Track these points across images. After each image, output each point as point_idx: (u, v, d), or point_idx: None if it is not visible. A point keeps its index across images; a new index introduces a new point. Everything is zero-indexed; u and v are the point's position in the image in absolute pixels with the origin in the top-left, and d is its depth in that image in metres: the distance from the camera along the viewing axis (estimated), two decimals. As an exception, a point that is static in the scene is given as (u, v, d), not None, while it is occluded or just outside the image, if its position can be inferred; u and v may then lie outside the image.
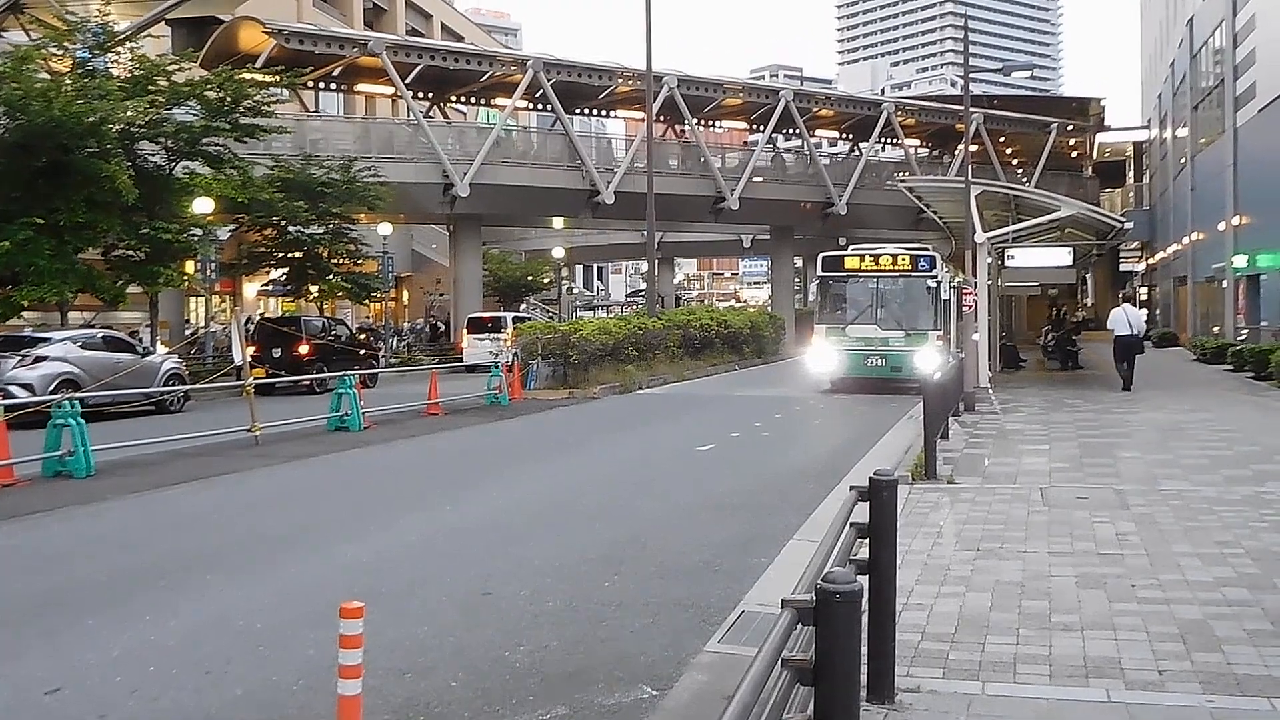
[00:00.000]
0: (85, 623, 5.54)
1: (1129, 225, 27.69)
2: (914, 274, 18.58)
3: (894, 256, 18.90)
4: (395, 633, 5.17)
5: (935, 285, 18.31)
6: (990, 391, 16.53)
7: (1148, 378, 20.05)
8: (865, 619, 3.98)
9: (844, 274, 19.20)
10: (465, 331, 29.78)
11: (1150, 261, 43.29)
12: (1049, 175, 43.94)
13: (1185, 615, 4.97)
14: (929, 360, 17.02)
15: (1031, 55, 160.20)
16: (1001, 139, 45.66)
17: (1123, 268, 50.43)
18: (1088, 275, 48.27)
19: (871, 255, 19.18)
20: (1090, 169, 49.84)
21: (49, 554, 7.38)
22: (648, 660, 4.78)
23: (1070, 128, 45.75)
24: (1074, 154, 49.27)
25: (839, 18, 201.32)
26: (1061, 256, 21.46)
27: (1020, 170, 46.45)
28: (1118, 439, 11.48)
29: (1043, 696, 4.04)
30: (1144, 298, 46.66)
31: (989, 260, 19.89)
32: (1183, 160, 33.04)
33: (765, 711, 2.18)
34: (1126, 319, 17.96)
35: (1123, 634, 4.72)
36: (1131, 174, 48.78)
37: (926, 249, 19.68)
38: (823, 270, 19.61)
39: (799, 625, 2.41)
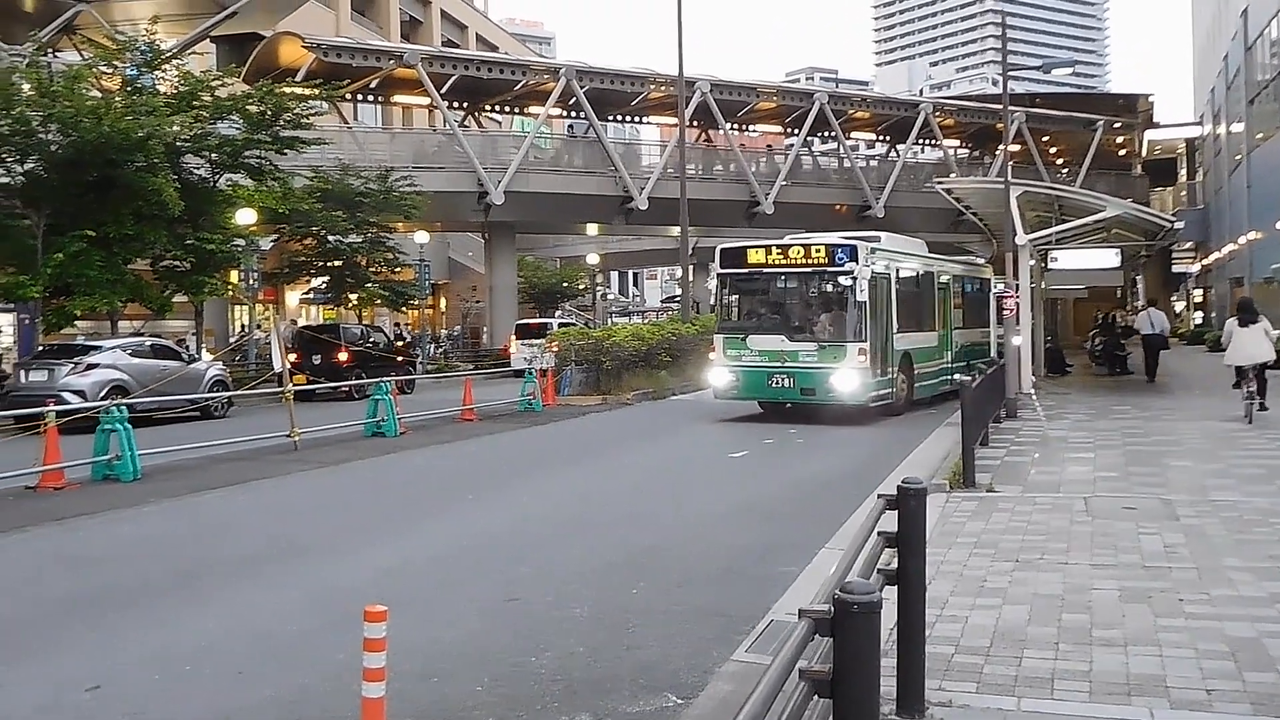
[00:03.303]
0: (125, 623, 5.66)
1: (1179, 225, 27.06)
2: (830, 269, 14.80)
3: (806, 248, 15.18)
4: (421, 637, 5.19)
5: (851, 283, 14.52)
6: (1034, 397, 16.25)
7: (1202, 383, 19.59)
8: (895, 630, 3.93)
9: (746, 271, 15.72)
10: (514, 337, 30.49)
11: (1205, 262, 42.31)
12: (1095, 174, 43.14)
13: (1236, 632, 4.79)
14: (848, 380, 14.47)
15: (1076, 51, 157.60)
16: (1045, 138, 44.94)
17: (1175, 269, 49.32)
18: (1138, 277, 47.35)
19: (779, 247, 15.49)
20: (1139, 167, 48.87)
21: (93, 556, 7.53)
22: (673, 668, 4.74)
23: (1117, 125, 44.90)
24: (1122, 152, 48.36)
25: (875, 19, 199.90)
26: (1108, 258, 21.03)
27: (1065, 170, 45.68)
28: (1167, 447, 11.18)
29: (1081, 714, 3.92)
30: (1198, 300, 45.58)
31: (1031, 263, 19.55)
32: (1238, 156, 32.25)
33: (780, 725, 2.13)
34: (1150, 320, 20.37)
35: (1168, 650, 4.56)
36: (1184, 172, 47.72)
37: (855, 238, 15.92)
38: (721, 266, 16.00)
39: (816, 635, 2.36)
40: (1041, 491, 8.54)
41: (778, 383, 15.10)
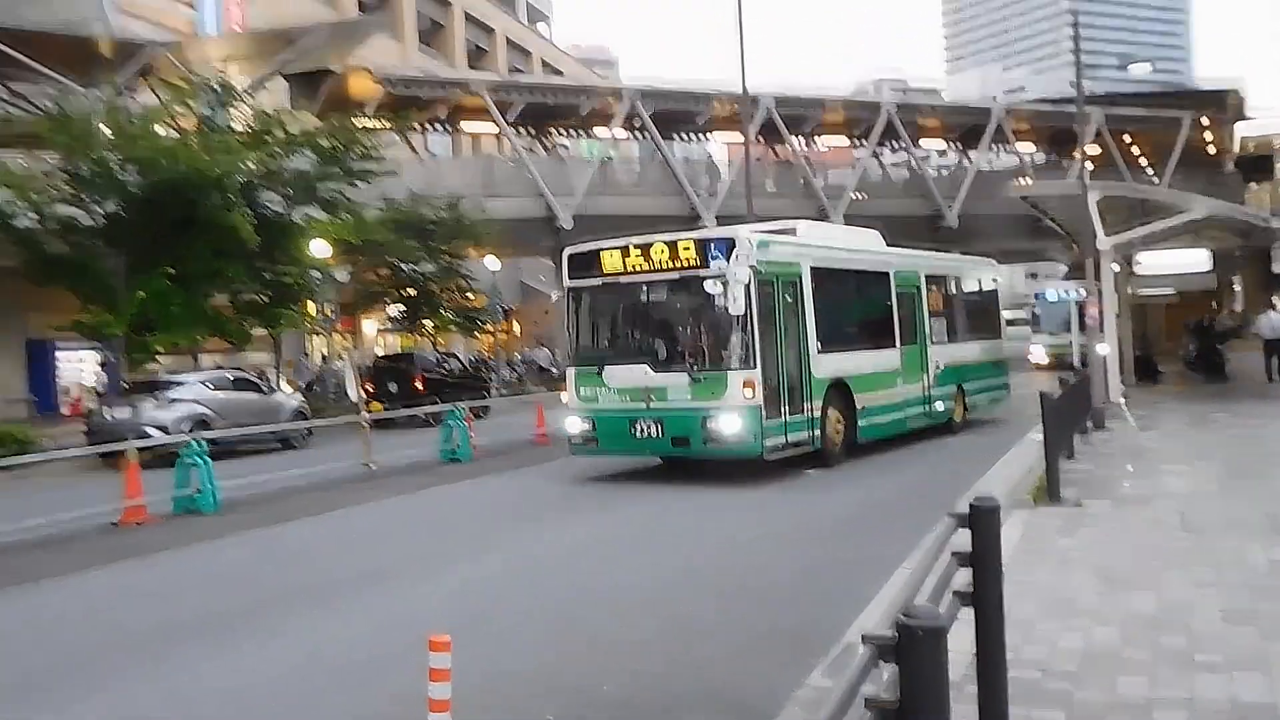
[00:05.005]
0: (199, 655, 5.76)
1: (1274, 223, 25.89)
2: (702, 274, 11.00)
3: (671, 246, 11.44)
4: (489, 664, 5.17)
5: (723, 289, 10.71)
6: (1124, 406, 15.65)
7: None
8: (974, 654, 3.77)
9: (600, 281, 12.03)
10: None
11: (1308, 261, 40.37)
12: (1183, 172, 41.65)
13: (1351, 652, 4.50)
14: (730, 424, 10.79)
15: (1158, 46, 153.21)
16: (1126, 137, 43.60)
17: (1276, 269, 47.17)
18: (1235, 278, 45.39)
19: (639, 246, 11.73)
20: (1231, 164, 47.03)
21: (171, 590, 7.73)
22: (741, 693, 4.64)
23: (1204, 121, 43.34)
24: (1211, 149, 46.61)
25: (946, 24, 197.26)
26: (1200, 259, 20.30)
27: (1151, 169, 44.22)
28: (1270, 456, 10.64)
29: (1180, 742, 3.71)
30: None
31: (1115, 267, 18.90)
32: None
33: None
34: (1272, 323, 20.55)
35: (1278, 675, 4.29)
36: (1281, 166, 45.76)
37: (767, 230, 12.94)
38: (570, 275, 12.38)
39: (881, 662, 2.26)
40: (1133, 505, 8.18)
41: (642, 431, 11.42)
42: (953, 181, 40.14)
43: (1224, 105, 43.83)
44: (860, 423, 12.73)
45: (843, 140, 43.30)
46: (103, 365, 22.75)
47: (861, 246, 14.73)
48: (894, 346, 13.98)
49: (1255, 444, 11.66)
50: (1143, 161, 45.80)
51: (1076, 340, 20.41)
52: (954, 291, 16.70)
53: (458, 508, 11.16)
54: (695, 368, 11.23)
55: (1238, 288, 46.10)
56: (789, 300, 11.73)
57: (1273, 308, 22.43)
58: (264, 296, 21.92)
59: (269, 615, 6.59)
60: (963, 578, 3.61)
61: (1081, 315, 18.17)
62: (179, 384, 17.82)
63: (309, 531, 9.94)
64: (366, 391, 20.87)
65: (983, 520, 3.52)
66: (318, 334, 29.52)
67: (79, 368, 26.98)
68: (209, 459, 11.32)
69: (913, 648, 2.18)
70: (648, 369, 11.48)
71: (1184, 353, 24.79)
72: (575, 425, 12.06)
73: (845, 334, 13.14)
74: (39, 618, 7.04)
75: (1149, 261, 19.56)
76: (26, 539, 9.62)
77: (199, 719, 4.76)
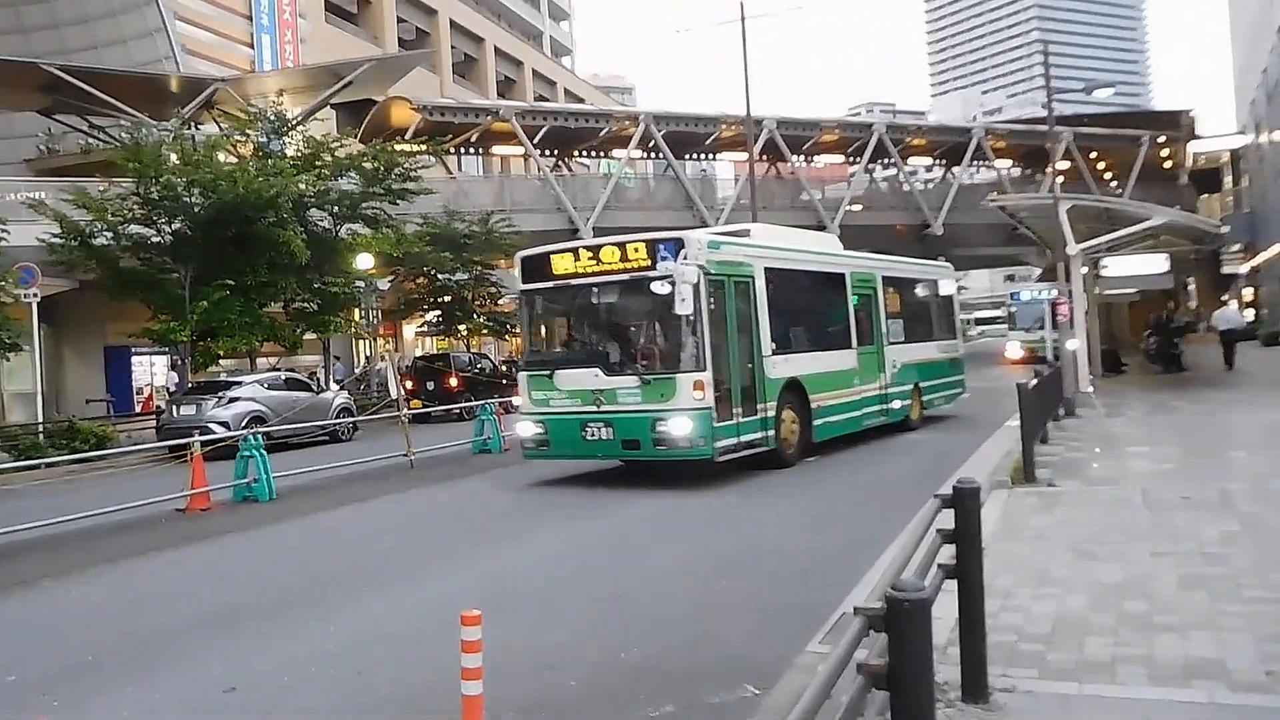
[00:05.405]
0: (260, 631, 5.78)
1: (1224, 229, 25.63)
2: (651, 275, 10.05)
3: (621, 248, 10.38)
4: (527, 635, 5.21)
5: (670, 290, 9.67)
6: (1092, 396, 15.57)
7: (1257, 378, 18.50)
8: (957, 621, 3.78)
9: (551, 284, 10.94)
10: None
11: (1253, 263, 40.08)
12: (1143, 186, 41.38)
13: (1295, 615, 4.49)
14: (681, 426, 9.80)
15: (1118, 73, 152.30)
16: (1093, 154, 43.35)
17: (1225, 270, 46.83)
18: (1189, 280, 45.04)
19: (589, 249, 10.76)
20: (1185, 177, 46.69)
21: (233, 570, 7.79)
22: (755, 661, 4.65)
23: (1161, 140, 43.09)
24: (1167, 164, 46.32)
25: (930, 53, 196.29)
26: (1158, 263, 20.12)
27: (1114, 183, 43.95)
28: (1224, 440, 10.59)
29: (1142, 697, 3.71)
30: (1249, 298, 43.25)
31: (1084, 270, 18.80)
32: (1282, 162, 30.55)
33: (839, 714, 2.06)
34: (1225, 317, 21.54)
35: (1227, 635, 4.29)
36: (1229, 179, 45.42)
37: (722, 233, 11.99)
38: (523, 279, 11.26)
39: (872, 631, 2.28)
40: (1100, 485, 8.15)
41: (593, 434, 10.39)
42: (938, 194, 40.00)
43: (1178, 125, 43.56)
44: (816, 422, 11.72)
45: (838, 158, 43.25)
46: (172, 367, 22.96)
47: (817, 249, 13.59)
48: (850, 347, 12.95)
49: (1208, 428, 11.59)
50: (1107, 176, 45.54)
51: (1049, 336, 20.30)
52: (911, 294, 15.67)
53: (490, 496, 11.15)
54: (645, 370, 10.22)
55: (1192, 288, 45.75)
56: (741, 302, 10.66)
57: (1224, 304, 22.39)
58: (314, 305, 22.08)
59: (325, 594, 6.62)
60: (947, 552, 3.63)
61: (1054, 313, 18.06)
62: (238, 384, 17.93)
63: (355, 517, 9.96)
64: (407, 389, 20.96)
65: (964, 500, 3.54)
66: (362, 338, 29.65)
67: (150, 371, 27.21)
68: (265, 452, 11.37)
69: (900, 618, 2.20)
70: (599, 372, 10.43)
71: (1145, 346, 24.60)
72: (527, 429, 10.98)
73: (800, 335, 12.05)
74: (120, 594, 7.13)
75: (1114, 265, 19.42)
76: (105, 523, 9.74)
77: (263, 688, 4.79)
